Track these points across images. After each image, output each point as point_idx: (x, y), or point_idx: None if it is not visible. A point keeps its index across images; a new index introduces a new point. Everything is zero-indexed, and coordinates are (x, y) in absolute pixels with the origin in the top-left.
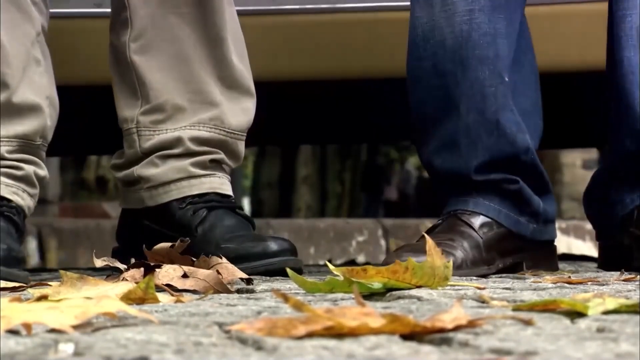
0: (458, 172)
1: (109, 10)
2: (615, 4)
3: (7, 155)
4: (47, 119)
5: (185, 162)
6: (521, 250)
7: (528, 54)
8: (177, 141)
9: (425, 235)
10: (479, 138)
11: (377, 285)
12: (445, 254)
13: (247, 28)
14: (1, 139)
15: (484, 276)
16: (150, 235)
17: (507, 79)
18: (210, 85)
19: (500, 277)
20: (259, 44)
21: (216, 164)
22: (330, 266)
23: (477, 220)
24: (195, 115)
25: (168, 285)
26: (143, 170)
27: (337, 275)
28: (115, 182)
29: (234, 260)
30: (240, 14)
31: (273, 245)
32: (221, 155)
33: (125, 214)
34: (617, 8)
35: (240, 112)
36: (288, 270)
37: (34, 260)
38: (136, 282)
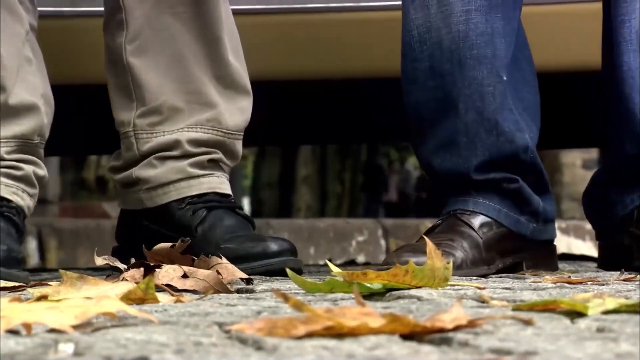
0: (457, 171)
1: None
2: (614, 9)
3: (6, 155)
4: (44, 117)
5: (184, 163)
6: (521, 250)
7: (525, 50)
8: (175, 143)
9: (425, 237)
10: (478, 137)
11: (377, 285)
12: (445, 254)
13: (247, 27)
14: (0, 140)
15: (484, 276)
16: (150, 235)
17: (505, 78)
18: (207, 86)
19: (500, 277)
20: (259, 43)
21: (214, 164)
22: (331, 265)
23: (477, 220)
24: (193, 116)
25: (168, 285)
26: (142, 171)
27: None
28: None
29: (234, 260)
30: (240, 13)
31: (273, 246)
32: (219, 155)
33: (124, 214)
34: (616, 13)
35: (237, 111)
36: (288, 270)
37: (34, 260)
38: (136, 282)
